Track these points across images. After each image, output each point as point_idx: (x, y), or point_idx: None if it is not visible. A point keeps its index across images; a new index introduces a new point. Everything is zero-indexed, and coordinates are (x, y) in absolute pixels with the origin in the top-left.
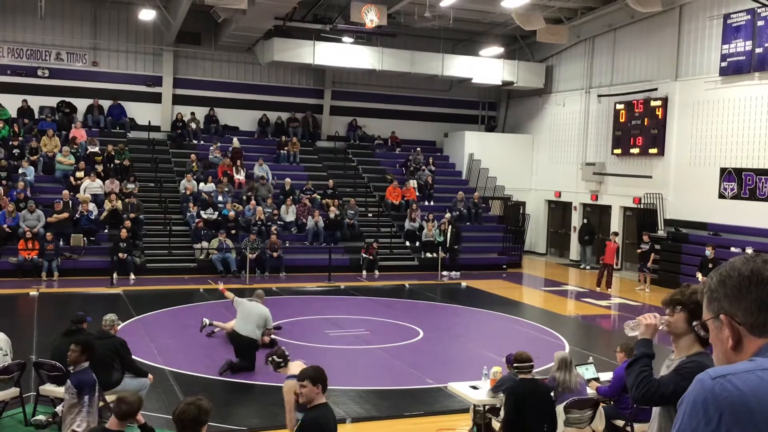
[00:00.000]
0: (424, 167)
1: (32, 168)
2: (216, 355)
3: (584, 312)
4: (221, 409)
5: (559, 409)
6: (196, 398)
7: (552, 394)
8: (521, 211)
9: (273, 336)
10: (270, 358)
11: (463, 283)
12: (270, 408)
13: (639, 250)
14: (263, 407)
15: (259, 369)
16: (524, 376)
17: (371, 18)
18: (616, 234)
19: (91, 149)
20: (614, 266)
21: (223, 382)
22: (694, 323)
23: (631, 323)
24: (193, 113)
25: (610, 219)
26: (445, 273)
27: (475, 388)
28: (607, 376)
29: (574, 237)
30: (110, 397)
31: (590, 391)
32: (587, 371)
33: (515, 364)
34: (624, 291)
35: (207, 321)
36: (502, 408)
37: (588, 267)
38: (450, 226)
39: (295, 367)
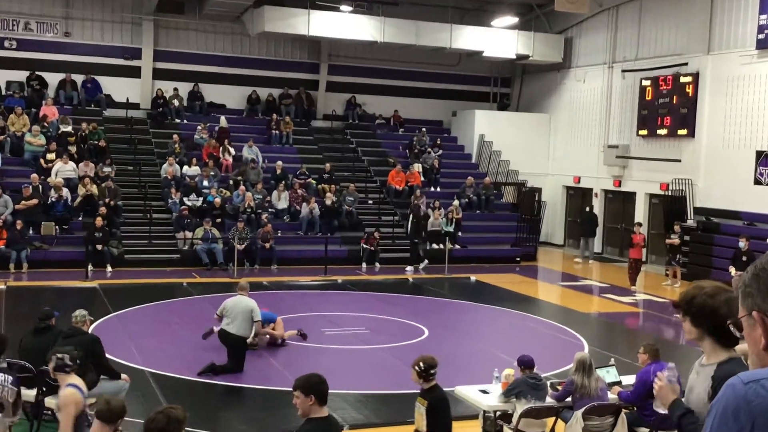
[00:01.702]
0: (429, 149)
1: None
2: (201, 355)
3: (606, 309)
4: (206, 415)
5: (578, 415)
6: (168, 406)
7: (569, 399)
8: (537, 199)
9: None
10: (59, 356)
11: (473, 278)
12: (259, 413)
13: (668, 242)
14: (252, 412)
15: (247, 370)
16: (432, 384)
17: None
18: (639, 225)
19: (63, 128)
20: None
21: (208, 384)
22: (729, 321)
23: (657, 402)
24: (175, 89)
25: (635, 207)
26: (408, 268)
27: (485, 392)
28: (630, 379)
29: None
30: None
31: (611, 396)
32: (608, 374)
33: (432, 371)
34: (649, 287)
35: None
36: (515, 414)
37: (590, 259)
38: (412, 216)
39: (75, 377)
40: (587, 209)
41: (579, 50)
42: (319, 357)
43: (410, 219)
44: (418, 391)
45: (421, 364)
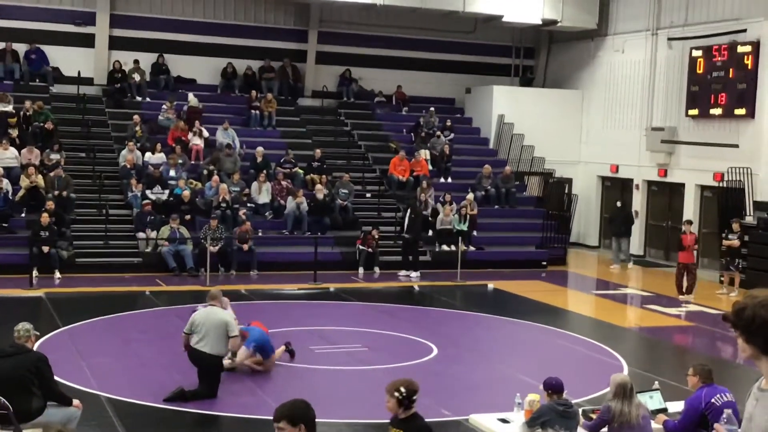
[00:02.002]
0: (439, 133)
1: None
2: (168, 378)
3: (649, 323)
4: None
5: None
6: None
7: (605, 429)
8: (566, 191)
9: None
10: None
11: (490, 285)
12: None
13: (726, 243)
14: None
15: (222, 396)
16: (412, 412)
17: None
18: (690, 223)
19: (2, 108)
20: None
21: (176, 412)
22: None
23: None
24: (136, 61)
25: (683, 201)
26: (402, 273)
27: (505, 421)
28: (677, 406)
29: (635, 224)
30: None
31: (656, 425)
32: (652, 400)
33: (414, 398)
34: (701, 296)
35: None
36: None
37: (630, 263)
38: (409, 210)
39: None
40: (618, 204)
41: (617, 14)
42: (308, 379)
43: (407, 214)
44: (426, 420)
45: (403, 390)
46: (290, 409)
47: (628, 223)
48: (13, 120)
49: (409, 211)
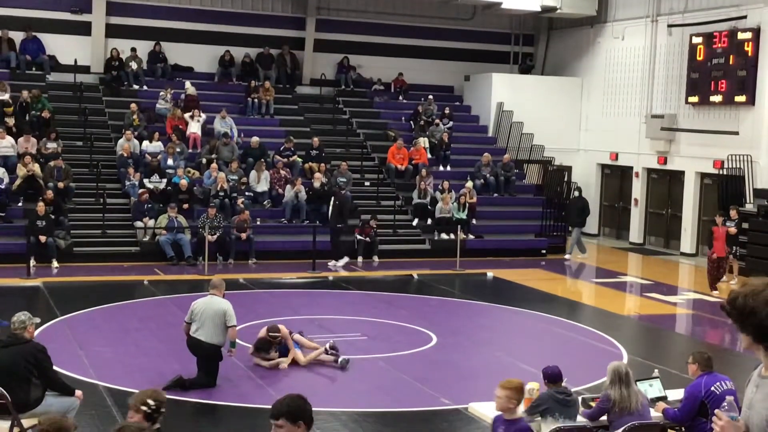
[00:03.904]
0: (438, 121)
1: None
2: (166, 367)
3: (648, 311)
4: None
5: None
6: (126, 423)
7: (605, 417)
8: (566, 179)
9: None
10: None
11: (489, 274)
12: None
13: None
14: None
15: (222, 385)
16: (157, 427)
17: None
18: (723, 216)
19: None
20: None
21: (175, 402)
22: None
23: None
24: (133, 49)
25: (683, 189)
26: (331, 263)
27: None
28: (677, 394)
29: (635, 212)
30: (28, 422)
31: (655, 413)
32: (651, 388)
33: (162, 410)
34: (701, 284)
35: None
36: None
37: (583, 253)
38: (333, 198)
39: None
40: (576, 193)
41: (617, 1)
42: (307, 369)
43: (332, 202)
44: (425, 409)
45: (151, 402)
46: (289, 406)
47: (583, 213)
48: (10, 109)
49: (332, 199)
